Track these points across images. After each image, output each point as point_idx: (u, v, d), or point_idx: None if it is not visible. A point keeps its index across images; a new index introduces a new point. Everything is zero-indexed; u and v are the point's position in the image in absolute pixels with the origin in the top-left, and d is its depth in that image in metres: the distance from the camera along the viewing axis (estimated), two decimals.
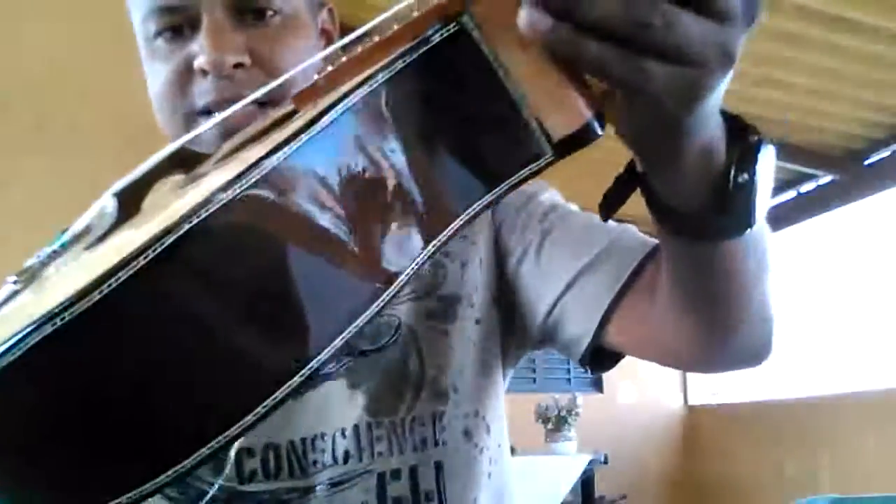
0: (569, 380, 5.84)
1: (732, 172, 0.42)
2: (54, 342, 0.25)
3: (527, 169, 0.36)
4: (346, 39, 0.38)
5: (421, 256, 0.33)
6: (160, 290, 0.26)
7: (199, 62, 0.62)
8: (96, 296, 0.25)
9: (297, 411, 0.67)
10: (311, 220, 0.29)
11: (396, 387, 0.69)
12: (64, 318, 0.25)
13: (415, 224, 0.33)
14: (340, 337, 0.29)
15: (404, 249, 0.33)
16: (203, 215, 0.27)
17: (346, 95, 0.32)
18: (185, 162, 0.47)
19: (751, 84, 3.92)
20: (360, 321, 0.30)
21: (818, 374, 5.30)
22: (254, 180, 0.28)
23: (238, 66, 0.62)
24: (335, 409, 0.68)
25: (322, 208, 0.30)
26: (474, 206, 0.35)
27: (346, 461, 0.67)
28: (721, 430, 5.95)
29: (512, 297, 0.74)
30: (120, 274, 0.25)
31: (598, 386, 6.05)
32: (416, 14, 0.34)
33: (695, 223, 0.45)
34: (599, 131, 0.35)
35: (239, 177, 0.28)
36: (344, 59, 0.36)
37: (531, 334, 0.74)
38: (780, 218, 5.41)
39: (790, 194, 5.26)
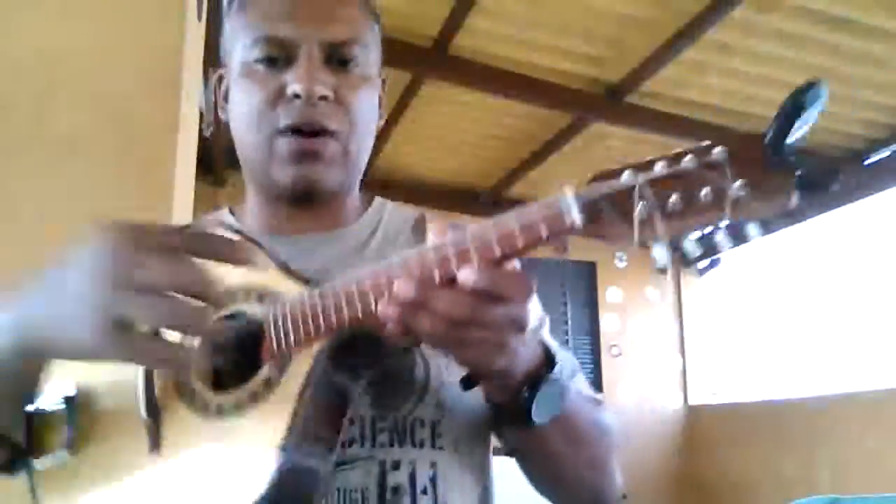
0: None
1: (523, 389, 0.67)
2: None
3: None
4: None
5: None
6: None
7: (294, 88, 0.75)
8: None
9: None
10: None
11: (402, 390, 0.76)
12: None
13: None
14: None
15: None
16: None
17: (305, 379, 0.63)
18: None
19: (751, 84, 3.92)
20: None
21: (818, 374, 5.30)
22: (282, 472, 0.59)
23: (323, 98, 0.77)
24: None
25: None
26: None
27: (350, 445, 0.73)
28: (721, 430, 5.95)
29: None
30: None
31: (597, 386, 6.05)
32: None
33: (498, 412, 0.72)
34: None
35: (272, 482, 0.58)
36: (293, 342, 0.64)
37: None
38: (781, 218, 5.40)
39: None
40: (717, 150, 0.53)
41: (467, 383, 0.71)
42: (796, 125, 0.52)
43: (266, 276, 0.69)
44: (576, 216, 0.54)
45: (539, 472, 0.81)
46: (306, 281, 0.67)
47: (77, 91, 1.60)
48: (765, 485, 5.16)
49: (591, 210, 0.54)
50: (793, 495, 2.21)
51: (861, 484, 4.32)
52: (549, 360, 0.69)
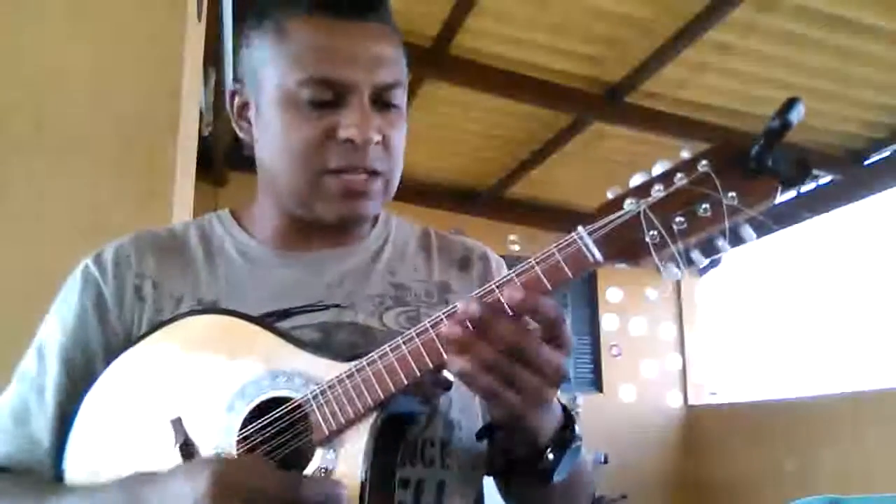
0: (569, 379, 5.84)
1: (546, 452, 0.69)
2: None
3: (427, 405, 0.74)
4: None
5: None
6: None
7: (350, 133, 0.76)
8: None
9: None
10: None
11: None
12: None
13: None
14: None
15: None
16: None
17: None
18: None
19: (751, 84, 3.92)
20: None
21: (817, 373, 5.31)
22: None
23: (374, 144, 0.78)
24: None
25: None
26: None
27: None
28: (721, 430, 5.95)
29: None
30: None
31: (598, 386, 6.05)
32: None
33: (519, 468, 0.73)
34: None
35: None
36: (343, 422, 0.67)
37: None
38: (781, 218, 5.40)
39: (790, 194, 5.25)
40: (703, 164, 0.60)
41: (482, 433, 0.74)
42: (781, 140, 0.59)
43: (293, 356, 0.71)
44: (595, 252, 0.61)
45: None
46: (335, 355, 0.70)
47: (77, 91, 1.60)
48: (765, 485, 5.16)
49: (607, 243, 0.61)
50: (793, 495, 2.21)
51: (861, 484, 4.32)
52: (565, 416, 0.72)
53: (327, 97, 0.77)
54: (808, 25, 3.43)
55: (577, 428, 0.72)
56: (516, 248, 5.18)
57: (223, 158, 4.45)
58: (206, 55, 2.22)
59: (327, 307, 0.80)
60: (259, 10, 0.83)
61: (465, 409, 0.80)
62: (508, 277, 0.64)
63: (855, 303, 5.20)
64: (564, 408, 0.74)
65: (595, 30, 3.60)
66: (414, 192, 5.29)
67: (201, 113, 2.34)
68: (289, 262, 0.84)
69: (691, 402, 6.32)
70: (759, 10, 3.34)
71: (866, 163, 4.68)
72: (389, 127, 0.80)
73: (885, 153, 4.59)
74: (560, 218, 5.71)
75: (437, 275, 0.88)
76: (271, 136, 0.80)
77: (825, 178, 4.94)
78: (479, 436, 0.74)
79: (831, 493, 1.86)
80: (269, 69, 0.80)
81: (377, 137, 0.77)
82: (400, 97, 0.81)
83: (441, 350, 0.64)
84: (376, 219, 0.92)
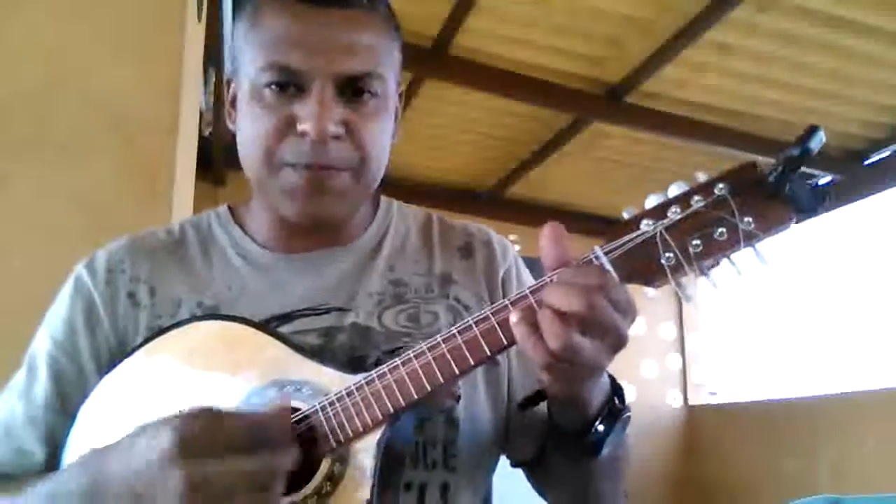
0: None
1: (596, 423, 0.68)
2: None
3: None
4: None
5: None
6: None
7: (305, 127, 0.72)
8: None
9: None
10: None
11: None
12: None
13: None
14: None
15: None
16: None
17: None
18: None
19: (751, 84, 3.92)
20: None
21: (818, 374, 5.30)
22: None
23: (335, 137, 0.73)
24: None
25: None
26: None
27: None
28: (721, 430, 5.95)
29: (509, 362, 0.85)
30: None
31: None
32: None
33: (564, 439, 0.71)
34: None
35: None
36: (350, 433, 0.65)
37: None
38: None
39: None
40: (720, 187, 0.60)
41: (527, 403, 0.73)
42: (801, 168, 0.60)
43: (300, 365, 0.69)
44: (611, 272, 0.62)
45: (563, 493, 0.82)
46: (342, 364, 0.69)
47: (77, 91, 1.60)
48: (765, 485, 5.15)
49: (623, 263, 0.62)
50: (793, 495, 2.21)
51: (861, 484, 4.32)
52: (613, 390, 0.71)
53: (285, 80, 0.73)
54: (809, 25, 3.43)
55: (625, 398, 0.71)
56: (517, 248, 5.17)
57: (223, 158, 4.45)
58: (206, 55, 2.23)
59: (329, 310, 0.78)
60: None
61: (468, 408, 0.79)
62: (523, 294, 0.62)
63: (855, 303, 5.20)
64: (612, 378, 0.72)
65: (595, 30, 3.59)
66: (414, 192, 5.28)
67: (201, 113, 2.34)
68: (288, 263, 0.82)
69: (691, 402, 6.31)
70: (759, 10, 3.33)
71: (866, 163, 4.68)
72: (360, 118, 0.75)
73: (885, 153, 4.58)
74: (560, 218, 5.57)
75: (438, 266, 0.85)
76: (242, 128, 0.78)
77: (825, 178, 4.93)
78: (523, 406, 0.74)
79: (831, 493, 1.86)
80: (244, 58, 0.77)
81: (335, 131, 0.73)
82: (377, 86, 0.76)
83: (454, 365, 0.63)
84: (375, 211, 0.90)
